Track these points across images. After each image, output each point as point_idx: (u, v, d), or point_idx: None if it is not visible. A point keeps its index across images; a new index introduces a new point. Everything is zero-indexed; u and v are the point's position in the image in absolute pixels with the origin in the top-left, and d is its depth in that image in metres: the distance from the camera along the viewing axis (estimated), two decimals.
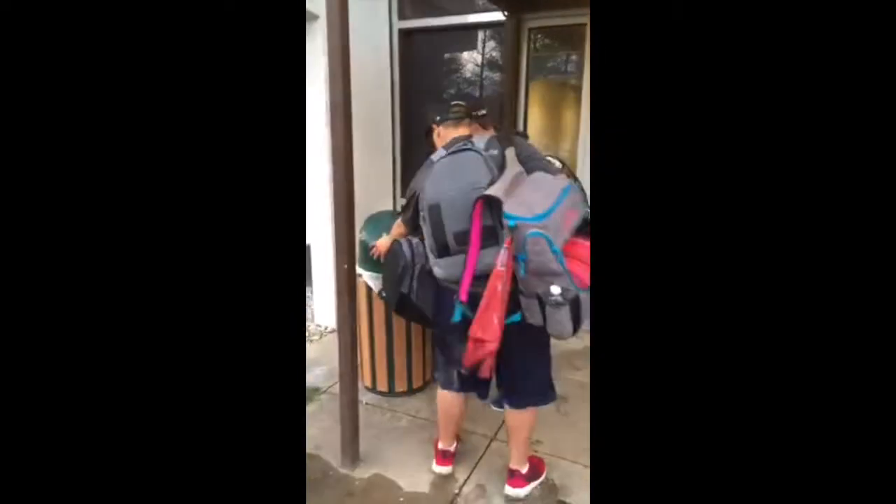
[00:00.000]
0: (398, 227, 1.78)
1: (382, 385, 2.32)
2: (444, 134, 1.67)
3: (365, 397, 2.31)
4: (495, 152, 1.44)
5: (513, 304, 1.34)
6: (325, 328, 3.07)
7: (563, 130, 3.20)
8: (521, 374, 1.59)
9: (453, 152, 1.48)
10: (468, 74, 3.46)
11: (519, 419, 1.67)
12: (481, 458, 1.93)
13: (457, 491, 1.77)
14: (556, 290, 1.25)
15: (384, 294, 1.98)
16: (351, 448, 1.85)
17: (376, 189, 3.33)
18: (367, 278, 2.18)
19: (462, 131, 1.64)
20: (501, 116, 3.08)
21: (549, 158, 1.76)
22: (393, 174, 3.56)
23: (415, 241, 1.67)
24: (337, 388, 1.92)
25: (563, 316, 1.28)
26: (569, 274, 1.26)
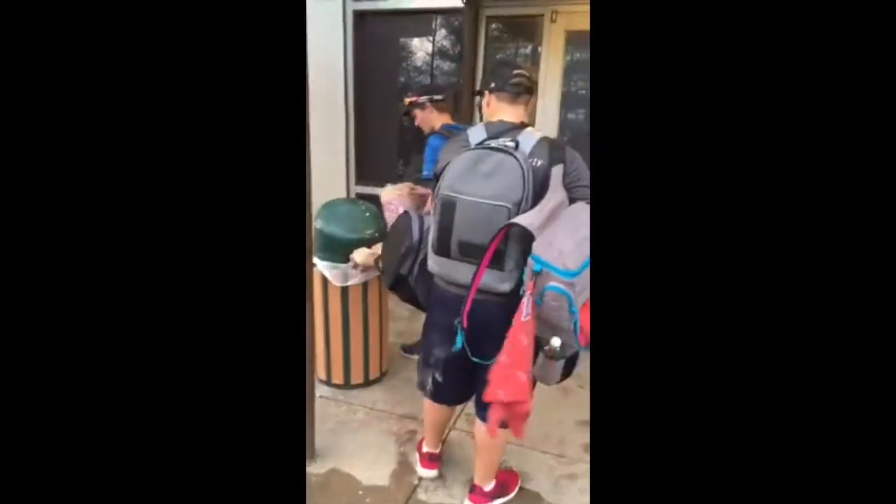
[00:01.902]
0: (409, 189, 1.63)
1: (338, 377, 2.26)
2: (494, 107, 1.39)
3: (319, 390, 2.25)
4: (540, 163, 1.24)
5: (503, 334, 1.21)
6: None
7: None
8: None
9: (491, 148, 1.26)
10: (422, 61, 3.41)
11: (491, 439, 1.48)
12: (440, 448, 1.93)
13: (416, 482, 1.76)
14: (556, 342, 1.14)
15: (380, 266, 1.83)
16: (306, 443, 1.80)
17: (329, 176, 3.23)
18: (322, 268, 2.11)
19: (516, 112, 1.37)
20: (457, 106, 3.05)
21: None
22: (346, 160, 3.47)
23: (427, 220, 1.48)
24: None
25: (555, 368, 1.20)
26: (577, 331, 1.12)
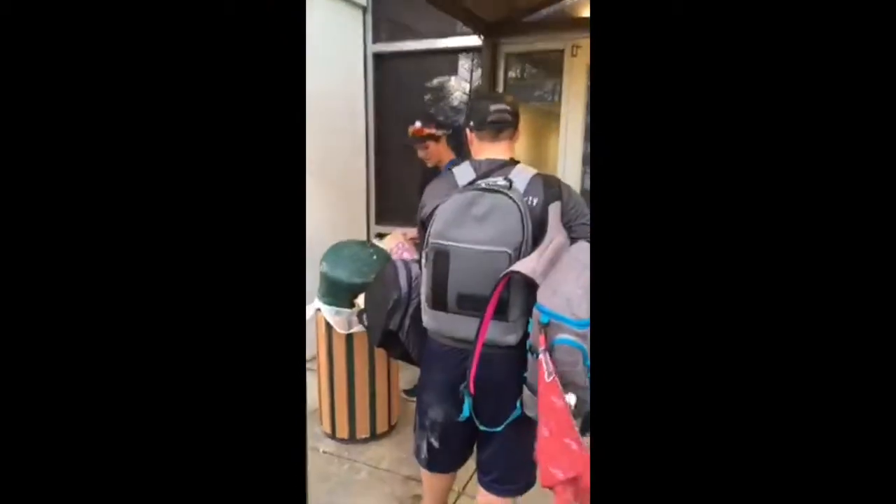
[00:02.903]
0: (403, 235, 1.54)
1: (342, 431, 2.12)
2: (478, 146, 1.28)
3: (323, 444, 2.11)
4: (536, 201, 1.14)
5: (513, 394, 1.12)
6: None
7: (542, 159, 3.10)
8: (508, 455, 1.27)
9: (483, 189, 1.14)
10: (459, 101, 3.35)
11: None
12: None
13: None
14: (571, 399, 1.01)
15: (364, 322, 1.70)
16: None
17: (345, 223, 3.18)
18: (326, 313, 2.01)
19: (502, 148, 1.25)
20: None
21: None
22: (367, 205, 3.43)
23: (415, 268, 1.37)
24: None
25: None
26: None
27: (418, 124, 2.13)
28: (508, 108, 1.24)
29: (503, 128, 1.25)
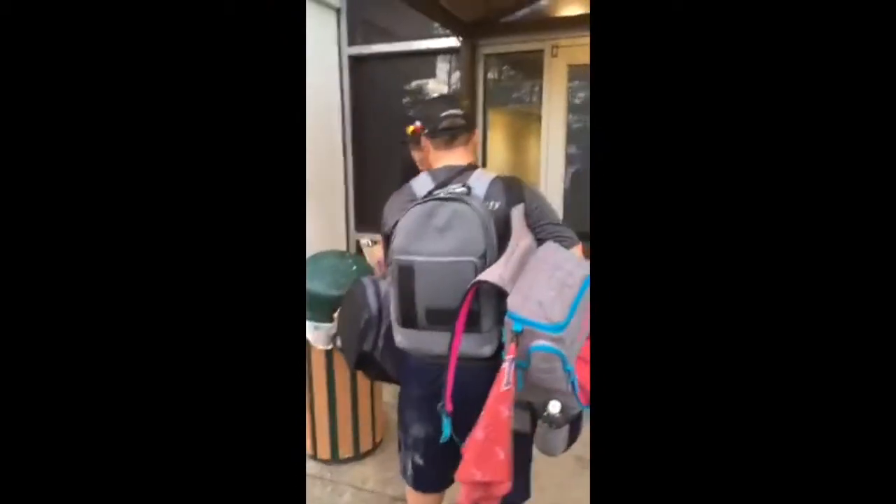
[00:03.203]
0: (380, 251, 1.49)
1: (324, 451, 2.03)
2: (434, 154, 1.24)
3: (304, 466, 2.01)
4: (497, 205, 1.09)
5: None
6: None
7: (525, 162, 3.05)
8: None
9: (441, 199, 1.09)
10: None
11: None
12: None
13: None
14: (555, 407, 0.99)
15: (338, 344, 1.64)
16: None
17: (323, 232, 3.08)
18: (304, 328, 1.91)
19: (458, 155, 1.21)
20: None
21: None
22: (346, 212, 3.33)
23: (383, 285, 1.30)
24: None
25: (559, 436, 1.02)
26: (576, 389, 0.98)
27: (419, 124, 2.03)
28: (459, 112, 1.20)
29: (457, 133, 1.21)
